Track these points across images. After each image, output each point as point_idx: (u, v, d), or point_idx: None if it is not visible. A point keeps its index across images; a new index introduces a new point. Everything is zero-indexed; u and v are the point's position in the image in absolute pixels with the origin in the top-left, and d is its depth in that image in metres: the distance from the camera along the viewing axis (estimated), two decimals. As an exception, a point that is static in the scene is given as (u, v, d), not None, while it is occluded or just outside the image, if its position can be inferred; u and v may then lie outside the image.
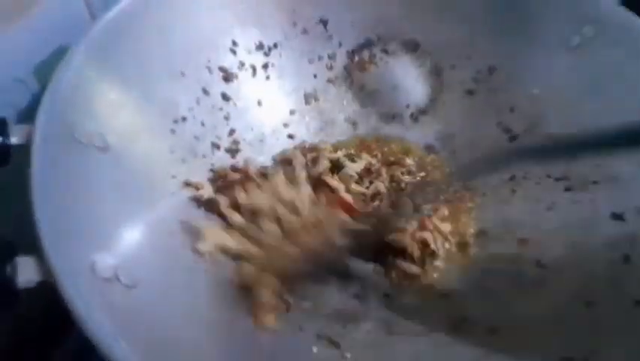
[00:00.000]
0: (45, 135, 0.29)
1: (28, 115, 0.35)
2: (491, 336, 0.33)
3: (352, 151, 0.45)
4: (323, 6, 0.46)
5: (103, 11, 0.35)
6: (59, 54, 0.33)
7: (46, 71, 0.34)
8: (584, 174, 0.39)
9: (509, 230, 0.40)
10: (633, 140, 0.33)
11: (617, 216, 0.36)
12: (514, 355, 0.31)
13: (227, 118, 0.42)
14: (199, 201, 0.37)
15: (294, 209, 0.37)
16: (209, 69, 0.42)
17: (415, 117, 0.47)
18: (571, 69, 0.42)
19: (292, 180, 0.39)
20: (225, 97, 0.43)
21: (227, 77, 0.43)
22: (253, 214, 0.36)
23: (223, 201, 0.37)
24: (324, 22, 0.46)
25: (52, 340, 0.37)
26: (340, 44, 0.47)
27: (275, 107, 0.45)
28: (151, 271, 0.29)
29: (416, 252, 0.37)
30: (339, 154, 0.43)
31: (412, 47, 0.47)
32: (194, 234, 0.34)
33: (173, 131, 0.38)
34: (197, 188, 0.37)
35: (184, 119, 0.39)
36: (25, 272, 0.25)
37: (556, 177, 0.41)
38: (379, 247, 0.38)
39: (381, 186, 0.41)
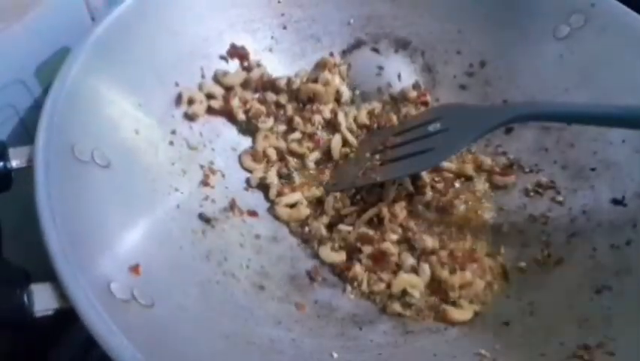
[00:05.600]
0: (46, 157, 0.28)
1: (28, 117, 0.35)
2: (506, 327, 0.33)
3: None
4: (312, 8, 0.46)
5: (103, 12, 0.35)
6: (60, 55, 0.33)
7: (47, 72, 0.34)
8: (582, 162, 0.40)
9: (509, 220, 0.40)
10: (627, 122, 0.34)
11: (618, 202, 0.37)
12: (530, 344, 0.32)
13: (224, 125, 0.42)
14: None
15: None
16: (203, 77, 0.42)
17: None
18: (561, 59, 0.43)
19: None
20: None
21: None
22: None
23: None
24: (314, 24, 0.46)
25: (52, 340, 0.37)
26: (331, 45, 0.47)
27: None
28: (166, 288, 0.29)
29: None
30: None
31: (403, 45, 0.47)
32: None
33: (171, 143, 0.38)
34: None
35: (181, 130, 0.39)
36: (42, 300, 0.24)
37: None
38: None
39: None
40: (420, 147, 0.39)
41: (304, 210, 0.39)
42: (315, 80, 0.44)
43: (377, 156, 0.41)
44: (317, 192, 0.41)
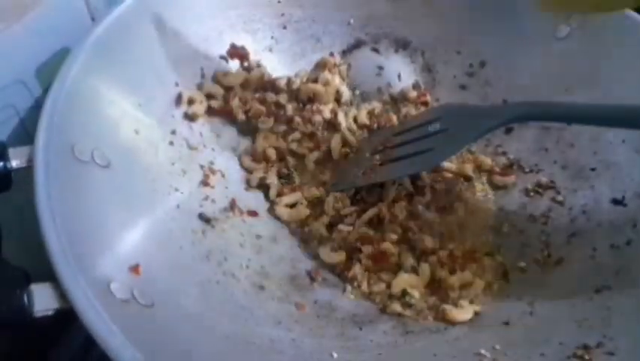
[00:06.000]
0: (46, 157, 0.28)
1: (28, 117, 0.35)
2: (506, 327, 0.33)
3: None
4: (312, 8, 0.46)
5: (103, 12, 0.35)
6: (61, 56, 0.33)
7: (47, 72, 0.34)
8: (582, 162, 0.40)
9: (509, 220, 0.40)
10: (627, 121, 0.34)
11: (618, 202, 0.37)
12: (530, 344, 0.32)
13: (224, 125, 0.42)
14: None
15: None
16: (203, 77, 0.42)
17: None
18: (560, 59, 0.43)
19: None
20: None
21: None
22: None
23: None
24: (314, 24, 0.46)
25: (52, 340, 0.37)
26: (331, 45, 0.47)
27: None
28: (166, 288, 0.29)
29: None
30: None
31: (403, 45, 0.47)
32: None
33: (171, 143, 0.38)
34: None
35: (181, 130, 0.39)
36: (42, 300, 0.24)
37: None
38: None
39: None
40: (420, 147, 0.39)
41: (304, 210, 0.39)
42: (315, 80, 0.44)
43: (377, 156, 0.41)
44: (317, 192, 0.41)
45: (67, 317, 0.24)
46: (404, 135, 0.41)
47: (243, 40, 0.44)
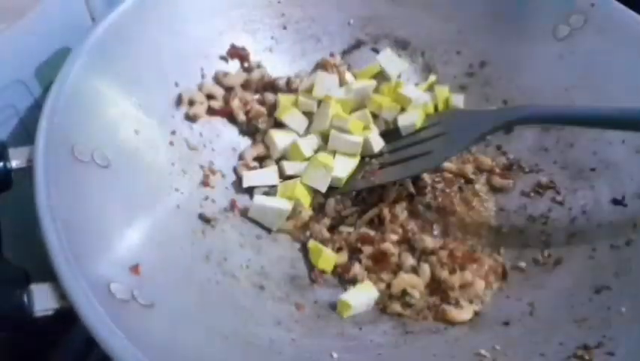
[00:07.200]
0: (46, 157, 0.28)
1: (28, 117, 0.35)
2: (506, 327, 0.33)
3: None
4: (312, 8, 0.46)
5: (103, 13, 0.35)
6: (60, 55, 0.33)
7: (47, 72, 0.34)
8: (582, 162, 0.40)
9: (509, 220, 0.40)
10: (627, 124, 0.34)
11: (618, 202, 0.37)
12: (530, 344, 0.32)
13: (224, 125, 0.42)
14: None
15: None
16: (203, 77, 0.42)
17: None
18: (561, 60, 0.43)
19: None
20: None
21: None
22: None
23: None
24: (314, 25, 0.46)
25: (52, 340, 0.37)
26: (331, 45, 0.47)
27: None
28: (166, 288, 0.29)
29: None
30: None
31: (403, 45, 0.47)
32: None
33: (171, 143, 0.38)
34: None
35: (181, 130, 0.39)
36: (42, 300, 0.24)
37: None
38: None
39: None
40: (418, 150, 0.39)
41: (306, 214, 0.39)
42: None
43: (376, 160, 0.41)
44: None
45: (67, 317, 0.24)
46: (403, 139, 0.41)
47: (243, 41, 0.44)
